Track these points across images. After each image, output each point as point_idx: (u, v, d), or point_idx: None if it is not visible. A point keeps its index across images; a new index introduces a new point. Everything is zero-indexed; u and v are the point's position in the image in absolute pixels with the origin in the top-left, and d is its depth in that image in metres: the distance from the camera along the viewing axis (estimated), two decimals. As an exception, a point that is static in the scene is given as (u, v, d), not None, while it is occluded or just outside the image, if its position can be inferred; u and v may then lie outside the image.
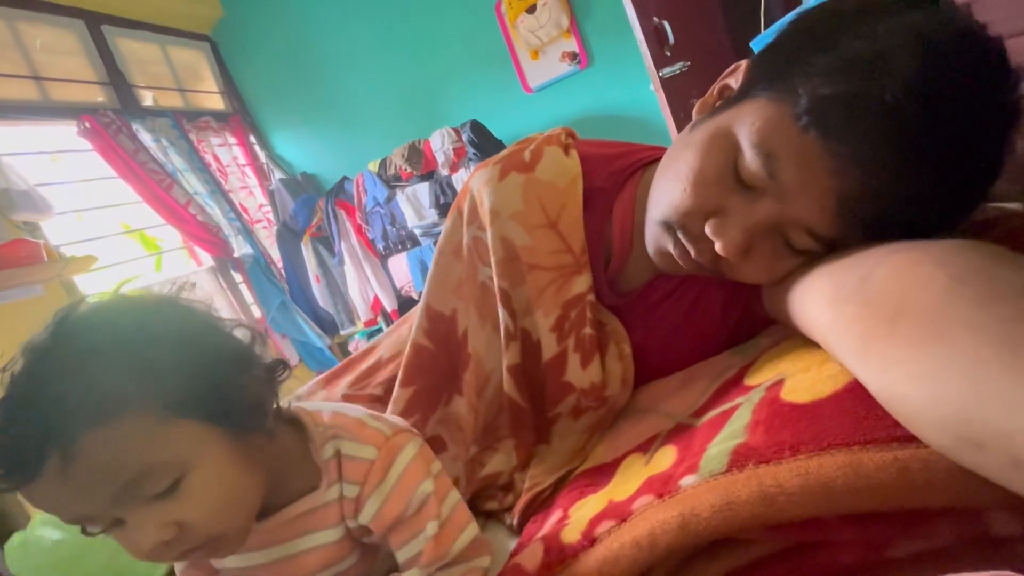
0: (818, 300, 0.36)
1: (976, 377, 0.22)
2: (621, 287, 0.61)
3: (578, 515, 0.44)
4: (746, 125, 0.41)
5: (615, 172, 0.61)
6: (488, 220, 0.60)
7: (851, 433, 0.28)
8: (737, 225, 0.42)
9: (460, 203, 0.67)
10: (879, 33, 0.35)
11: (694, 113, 0.51)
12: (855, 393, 0.31)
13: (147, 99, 2.55)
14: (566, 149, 0.61)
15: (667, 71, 1.74)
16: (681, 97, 1.76)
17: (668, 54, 1.72)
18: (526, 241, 0.58)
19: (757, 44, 1.03)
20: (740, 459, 0.31)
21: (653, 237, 0.51)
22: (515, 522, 0.57)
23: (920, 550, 0.26)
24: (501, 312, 0.59)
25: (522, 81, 2.55)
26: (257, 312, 2.72)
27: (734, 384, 0.45)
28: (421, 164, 2.46)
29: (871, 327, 0.29)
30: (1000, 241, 0.31)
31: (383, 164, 2.53)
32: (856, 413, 0.29)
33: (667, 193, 0.48)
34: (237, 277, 2.69)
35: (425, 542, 0.41)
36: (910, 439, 0.26)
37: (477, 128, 2.39)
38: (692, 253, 0.47)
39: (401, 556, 0.42)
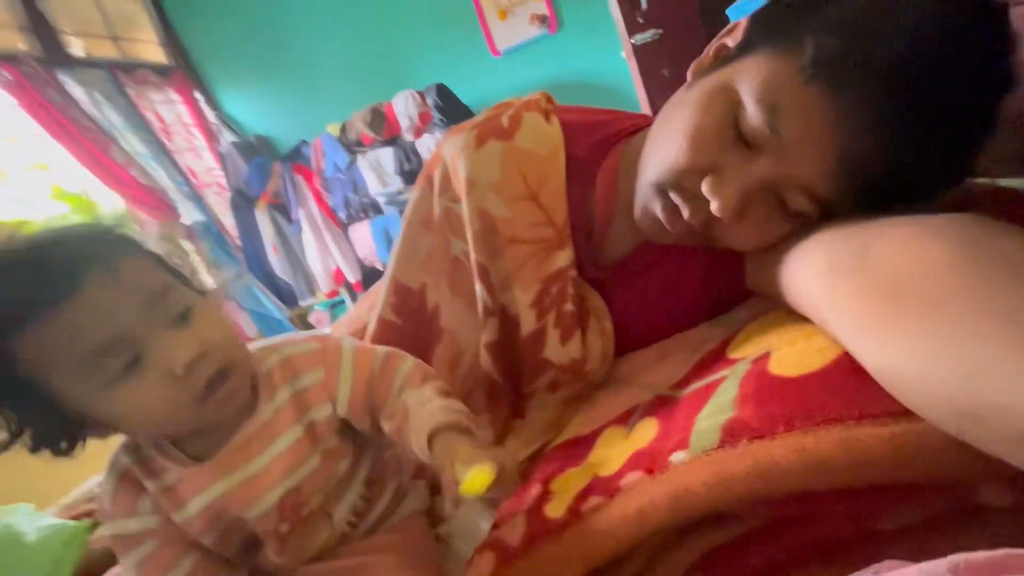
0: (810, 273, 0.35)
1: (977, 351, 0.22)
2: (602, 259, 0.60)
3: (561, 489, 0.44)
4: (748, 79, 0.40)
5: (599, 142, 0.59)
6: (464, 190, 0.56)
7: (844, 407, 0.28)
8: (734, 183, 0.41)
9: (430, 171, 0.64)
10: None
11: (689, 74, 0.49)
12: (845, 367, 0.31)
13: (76, 48, 2.31)
14: (547, 115, 0.58)
15: (639, 38, 1.70)
16: (652, 66, 1.74)
17: (640, 20, 1.69)
18: (505, 213, 0.55)
19: (734, 12, 1.02)
20: (732, 434, 0.31)
21: (643, 200, 0.50)
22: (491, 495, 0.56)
23: (909, 522, 0.26)
24: (479, 287, 0.57)
25: (489, 43, 2.45)
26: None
27: (716, 357, 0.45)
28: (384, 129, 2.36)
29: (869, 301, 0.28)
30: (988, 215, 0.31)
31: (343, 128, 2.41)
32: (848, 387, 0.29)
33: (662, 152, 0.46)
34: (187, 246, 2.54)
35: (406, 373, 0.49)
36: (903, 413, 0.26)
37: (443, 92, 2.30)
38: (685, 213, 0.45)
39: (391, 399, 0.47)
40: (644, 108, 1.85)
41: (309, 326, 2.79)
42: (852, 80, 0.35)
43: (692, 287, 0.56)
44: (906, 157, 0.36)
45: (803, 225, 0.43)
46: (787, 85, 0.37)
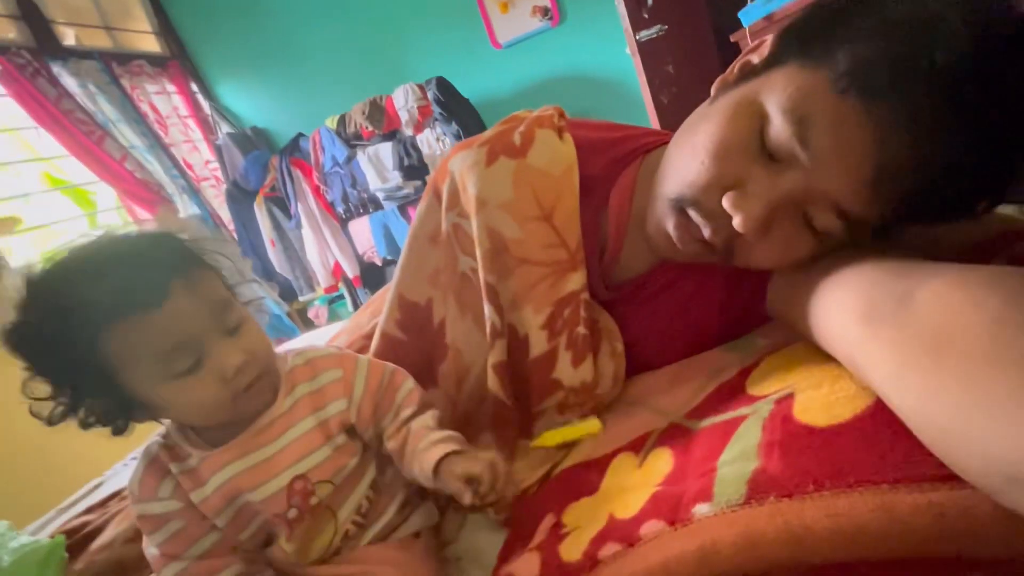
0: (845, 316, 0.34)
1: None
2: (615, 279, 0.58)
3: (574, 523, 0.43)
4: (776, 91, 0.38)
5: (613, 160, 0.57)
6: (473, 208, 0.55)
7: (878, 468, 0.27)
8: (759, 198, 0.40)
9: (437, 185, 0.62)
10: None
11: (713, 90, 0.47)
12: (877, 419, 0.30)
13: (68, 38, 2.27)
14: (560, 132, 0.56)
15: (644, 34, 1.68)
16: (657, 63, 1.71)
17: (646, 16, 1.66)
18: (516, 234, 0.54)
19: (746, 15, 0.99)
20: (759, 489, 0.30)
21: (657, 215, 0.48)
22: (502, 518, 0.55)
23: (954, 597, 0.25)
24: (487, 308, 0.55)
25: (490, 36, 2.41)
26: (207, 277, 2.56)
27: (735, 390, 0.44)
28: (383, 122, 2.32)
29: (912, 352, 0.27)
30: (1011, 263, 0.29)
31: (342, 121, 2.37)
32: (881, 444, 0.28)
33: (683, 167, 0.45)
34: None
35: (407, 391, 0.54)
36: (943, 478, 0.25)
37: (443, 85, 2.26)
38: (706, 232, 0.44)
39: (391, 417, 0.53)
40: (648, 104, 1.83)
41: (308, 321, 2.78)
42: (893, 88, 0.33)
43: (709, 311, 0.55)
44: (948, 171, 0.34)
45: (829, 245, 0.41)
46: (818, 97, 0.36)
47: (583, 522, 0.42)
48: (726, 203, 0.41)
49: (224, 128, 2.75)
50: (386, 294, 0.76)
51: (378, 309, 0.84)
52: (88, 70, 2.20)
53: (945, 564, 0.25)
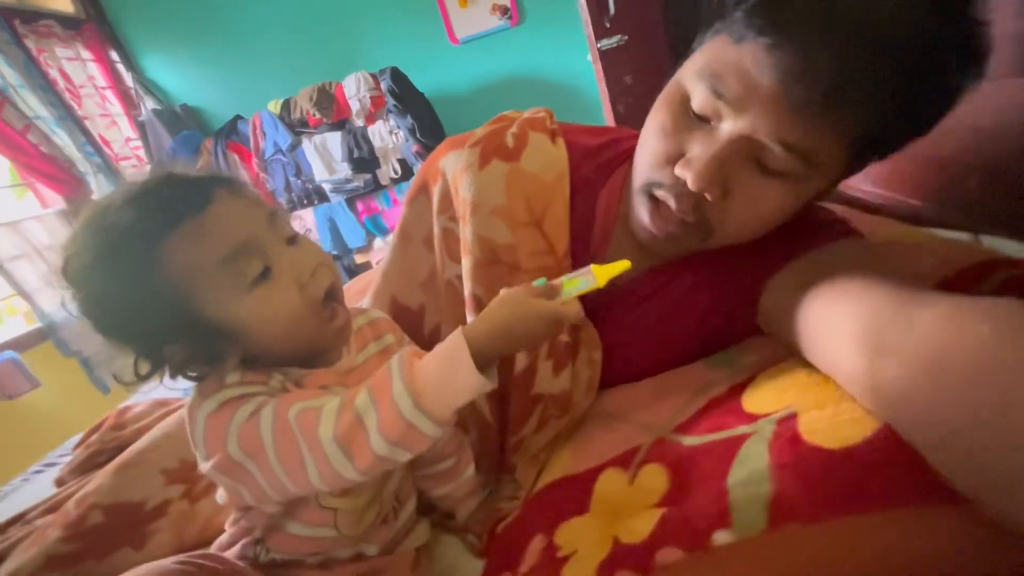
0: (849, 344, 0.34)
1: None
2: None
3: (569, 545, 0.42)
4: (691, 64, 0.44)
5: (602, 164, 0.57)
6: (468, 213, 0.53)
7: (895, 492, 0.27)
8: (701, 154, 0.43)
9: (427, 185, 0.60)
10: None
11: None
12: (890, 442, 0.30)
13: (-40, -14, 1.98)
14: (552, 136, 0.55)
15: (605, 43, 1.70)
16: (616, 71, 1.74)
17: (607, 25, 1.68)
18: (508, 239, 0.53)
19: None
20: (780, 515, 0.29)
21: (636, 212, 0.51)
22: (480, 545, 0.53)
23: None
24: (470, 318, 0.53)
25: (448, 31, 2.37)
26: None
27: (730, 407, 0.44)
28: (332, 111, 2.21)
29: (913, 378, 0.28)
30: (999, 293, 0.31)
31: (286, 105, 2.24)
32: (896, 467, 0.29)
33: (640, 158, 0.49)
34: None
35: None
36: (955, 499, 0.26)
37: (398, 76, 2.19)
38: (672, 204, 0.47)
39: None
40: (607, 112, 1.86)
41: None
42: (776, 18, 0.37)
43: (689, 321, 0.55)
44: (851, 78, 0.36)
45: (801, 191, 0.43)
46: (723, 53, 0.41)
47: (581, 545, 0.40)
48: (677, 171, 0.44)
49: (149, 104, 2.51)
50: (363, 285, 0.72)
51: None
52: (-16, 26, 1.93)
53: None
